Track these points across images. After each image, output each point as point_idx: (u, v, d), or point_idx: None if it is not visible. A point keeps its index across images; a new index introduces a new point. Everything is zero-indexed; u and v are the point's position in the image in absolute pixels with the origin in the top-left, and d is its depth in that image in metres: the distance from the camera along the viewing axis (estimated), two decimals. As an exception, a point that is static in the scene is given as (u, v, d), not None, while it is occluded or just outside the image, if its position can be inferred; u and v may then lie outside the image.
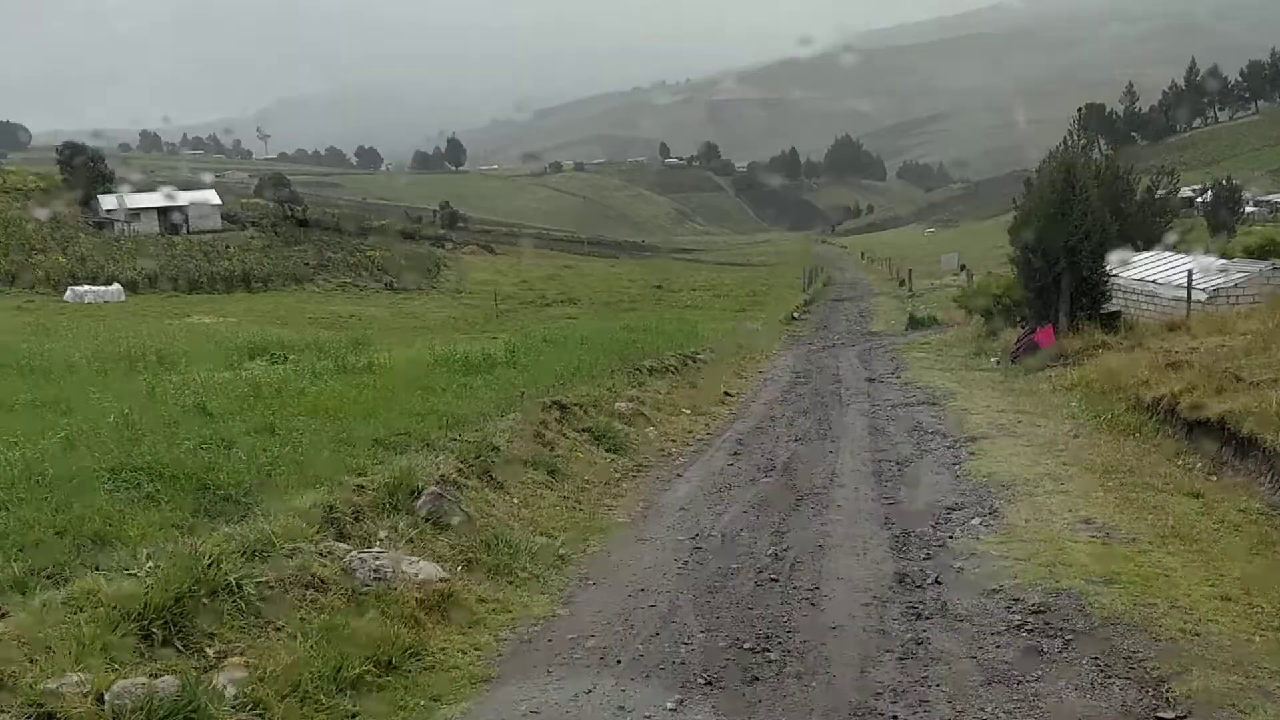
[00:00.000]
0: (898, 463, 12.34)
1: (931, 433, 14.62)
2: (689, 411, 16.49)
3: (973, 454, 12.81)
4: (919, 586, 7.78)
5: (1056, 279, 25.47)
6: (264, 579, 6.18)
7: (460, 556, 7.79)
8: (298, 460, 8.56)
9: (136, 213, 75.16)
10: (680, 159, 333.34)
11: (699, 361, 23.29)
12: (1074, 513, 9.62)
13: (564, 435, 11.98)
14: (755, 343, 32.45)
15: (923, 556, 8.41)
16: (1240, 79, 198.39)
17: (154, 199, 77.15)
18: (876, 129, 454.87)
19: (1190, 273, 25.74)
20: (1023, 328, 26.59)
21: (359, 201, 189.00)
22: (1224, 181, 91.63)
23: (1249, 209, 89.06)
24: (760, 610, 7.38)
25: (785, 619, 7.21)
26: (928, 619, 7.14)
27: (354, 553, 6.86)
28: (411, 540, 7.54)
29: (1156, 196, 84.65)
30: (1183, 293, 26.40)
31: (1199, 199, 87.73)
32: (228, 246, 68.32)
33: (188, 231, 76.00)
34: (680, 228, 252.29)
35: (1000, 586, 7.66)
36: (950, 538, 8.95)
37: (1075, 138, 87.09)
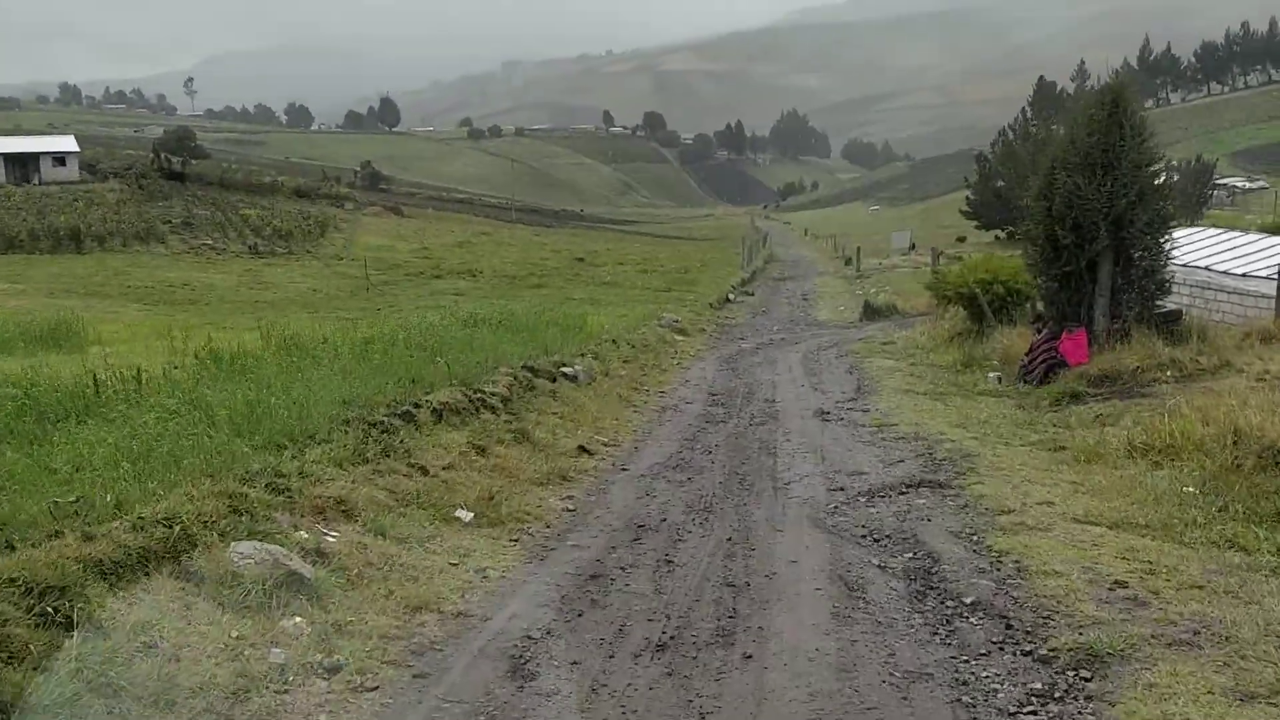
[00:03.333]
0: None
1: (972, 607, 6.41)
2: (467, 516, 8.09)
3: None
4: None
5: (1092, 262, 17.48)
6: None
7: None
8: None
9: (-22, 160, 64.93)
10: (625, 128, 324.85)
11: (563, 380, 14.93)
12: None
13: None
14: (668, 339, 24.18)
15: None
16: (1194, 60, 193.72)
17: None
18: (824, 105, 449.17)
19: (1286, 258, 17.80)
20: (1039, 331, 18.58)
21: (281, 160, 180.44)
22: (1194, 161, 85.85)
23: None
24: None
25: None
26: None
27: None
28: None
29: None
30: (1270, 285, 18.55)
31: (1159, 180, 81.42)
32: (75, 200, 58.39)
33: (40, 182, 65.87)
34: (623, 198, 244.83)
35: None
36: None
37: (1031, 113, 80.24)
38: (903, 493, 9.55)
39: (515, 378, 13.32)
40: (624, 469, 10.75)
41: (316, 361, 12.10)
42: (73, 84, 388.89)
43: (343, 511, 7.21)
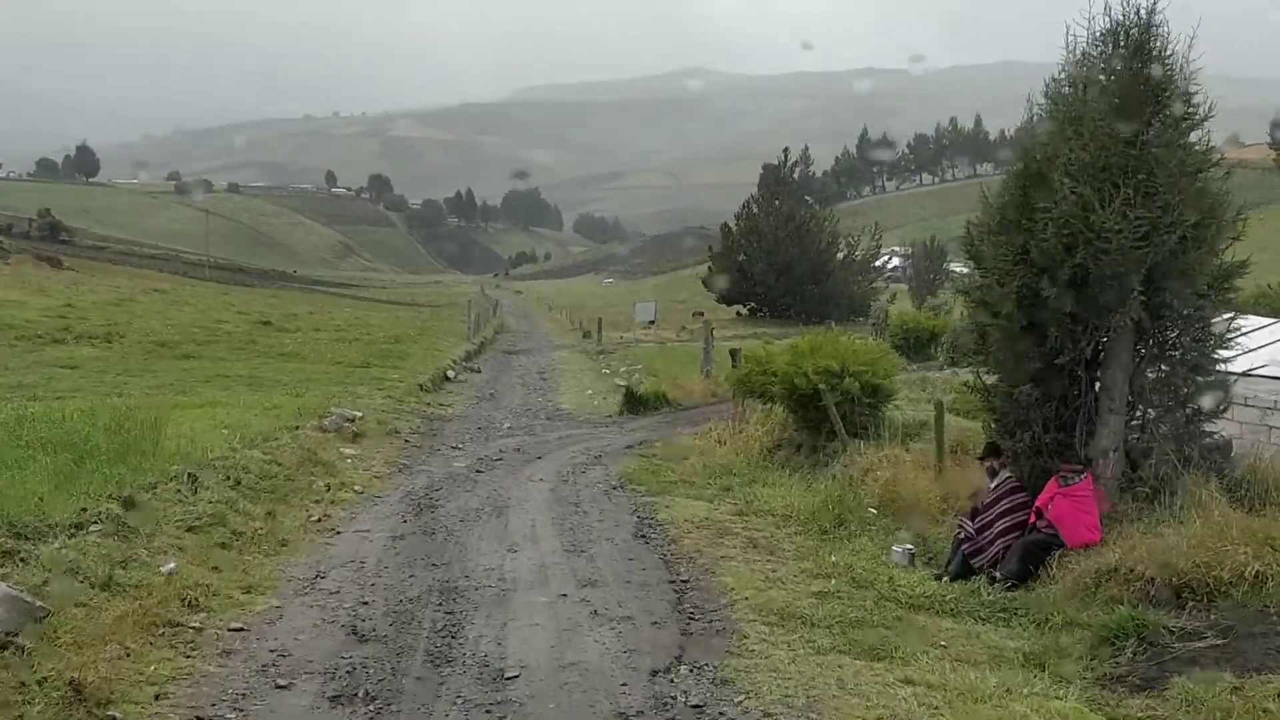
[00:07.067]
0: None
1: None
2: None
3: None
4: None
5: (1097, 351, 9.37)
6: None
7: None
8: None
9: None
10: (349, 189, 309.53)
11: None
12: None
13: None
14: (324, 455, 14.33)
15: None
16: (908, 150, 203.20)
17: None
18: (555, 180, 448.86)
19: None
20: (991, 473, 10.19)
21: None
22: (928, 244, 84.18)
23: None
24: None
25: None
26: None
27: None
28: None
29: (857, 256, 73.95)
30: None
31: (890, 263, 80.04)
32: None
33: None
34: (344, 261, 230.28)
35: None
36: None
37: (761, 195, 75.72)
38: None
39: None
40: None
41: None
42: None
43: None
